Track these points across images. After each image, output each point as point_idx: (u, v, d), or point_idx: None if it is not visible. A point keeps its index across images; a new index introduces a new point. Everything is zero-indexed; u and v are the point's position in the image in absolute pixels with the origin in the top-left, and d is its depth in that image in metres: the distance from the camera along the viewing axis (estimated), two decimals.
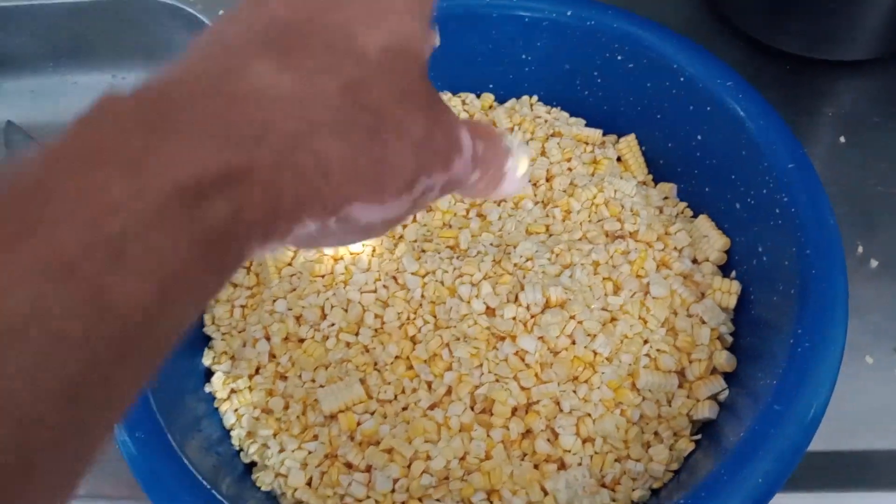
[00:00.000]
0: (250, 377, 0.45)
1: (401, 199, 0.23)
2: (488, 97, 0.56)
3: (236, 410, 0.44)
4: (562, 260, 0.45)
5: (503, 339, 0.43)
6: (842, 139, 0.58)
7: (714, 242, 0.47)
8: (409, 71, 0.24)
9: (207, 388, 0.45)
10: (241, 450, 0.44)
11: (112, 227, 0.17)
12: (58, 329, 0.16)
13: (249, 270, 0.48)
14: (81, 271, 0.16)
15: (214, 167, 0.18)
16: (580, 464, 0.40)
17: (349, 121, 0.22)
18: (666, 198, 0.51)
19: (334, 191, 0.21)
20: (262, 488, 0.42)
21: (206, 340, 0.47)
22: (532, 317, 0.43)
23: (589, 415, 0.41)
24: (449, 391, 0.42)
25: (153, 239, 0.17)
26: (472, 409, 0.42)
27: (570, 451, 0.40)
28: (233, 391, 0.45)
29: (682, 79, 0.48)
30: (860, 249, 0.53)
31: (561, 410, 0.41)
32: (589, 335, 0.42)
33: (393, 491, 0.40)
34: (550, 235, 0.47)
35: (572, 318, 0.43)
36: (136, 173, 0.17)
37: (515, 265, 0.45)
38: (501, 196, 0.30)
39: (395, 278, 0.46)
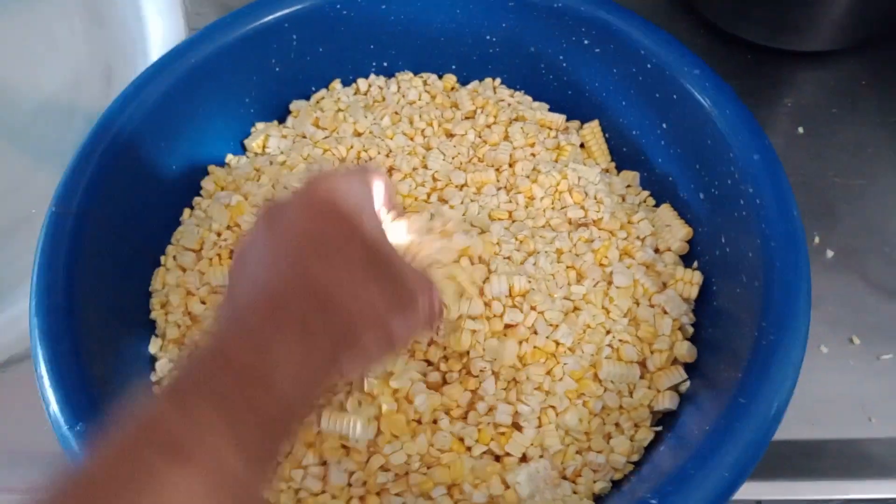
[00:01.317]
0: None
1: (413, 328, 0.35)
2: (451, 78, 0.55)
3: None
4: (525, 247, 0.44)
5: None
6: (800, 129, 0.58)
7: (677, 232, 0.46)
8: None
9: (153, 377, 0.43)
10: None
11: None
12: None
13: (211, 263, 0.46)
14: None
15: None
16: (542, 456, 0.39)
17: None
18: (629, 186, 0.50)
19: (373, 342, 0.33)
20: None
21: (151, 328, 0.45)
22: (500, 314, 0.42)
23: (552, 407, 0.40)
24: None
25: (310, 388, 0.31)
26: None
27: (532, 444, 0.39)
28: None
29: (648, 66, 0.47)
30: (816, 240, 0.53)
31: (523, 403, 0.40)
32: (551, 325, 0.42)
33: (350, 485, 0.39)
34: (514, 222, 0.46)
35: (533, 308, 0.42)
36: None
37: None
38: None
39: None
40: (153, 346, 0.44)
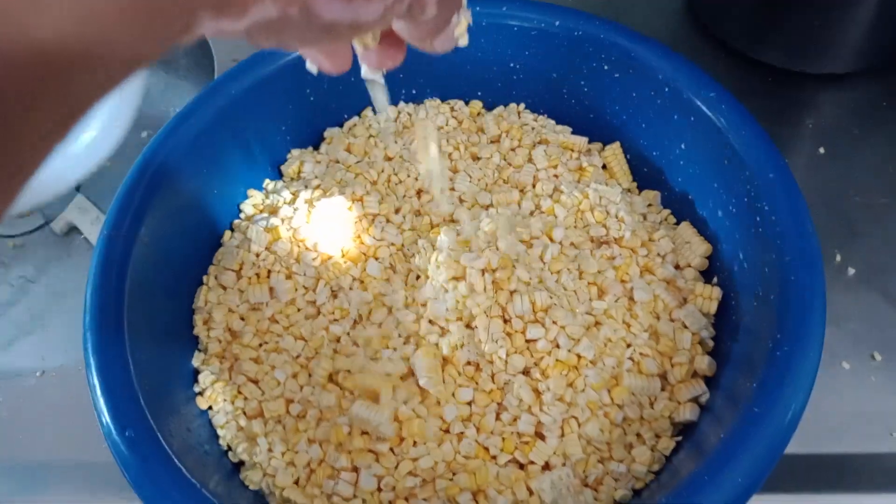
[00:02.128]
0: (239, 386, 0.45)
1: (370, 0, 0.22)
2: (477, 104, 0.57)
3: (226, 412, 0.45)
4: (551, 265, 0.46)
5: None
6: (821, 150, 0.59)
7: (696, 249, 0.48)
8: None
9: (196, 389, 0.46)
10: (230, 449, 0.44)
11: None
12: None
13: (250, 282, 0.49)
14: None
15: None
16: (564, 464, 0.41)
17: None
18: (650, 205, 0.52)
19: None
20: (251, 487, 0.42)
21: (194, 343, 0.48)
22: (522, 329, 0.43)
23: (574, 417, 0.42)
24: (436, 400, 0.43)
25: None
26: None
27: (555, 453, 0.41)
28: (221, 394, 0.45)
29: (666, 89, 0.49)
30: (838, 258, 0.54)
31: (546, 414, 0.41)
32: (573, 339, 0.43)
33: (380, 490, 0.41)
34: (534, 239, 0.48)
35: (554, 323, 0.44)
36: None
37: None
38: (434, 48, 0.31)
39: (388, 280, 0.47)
40: (196, 360, 0.47)
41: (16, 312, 0.64)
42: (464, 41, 0.32)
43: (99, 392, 0.40)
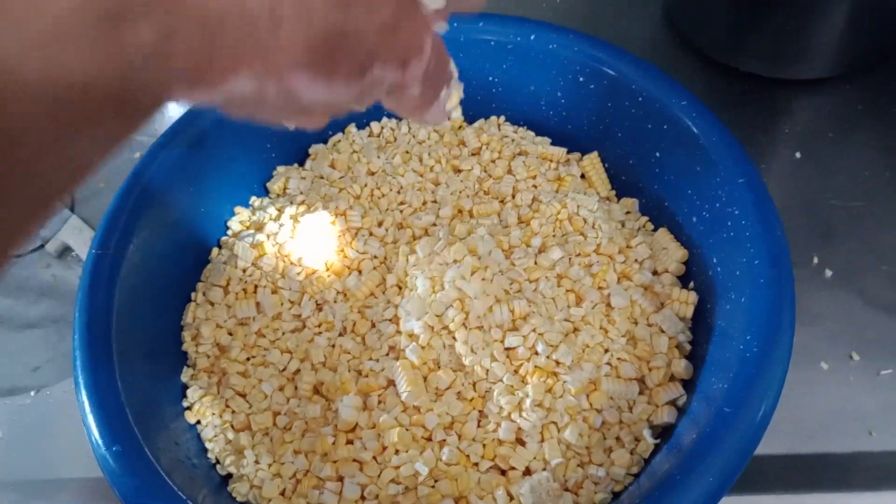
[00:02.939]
0: (227, 400, 0.46)
1: (349, 83, 0.21)
2: (458, 118, 0.58)
3: (214, 425, 0.46)
4: (528, 274, 0.47)
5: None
6: (797, 155, 0.60)
7: (673, 254, 0.49)
8: None
9: (185, 403, 0.47)
10: (218, 462, 0.45)
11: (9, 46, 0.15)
12: None
13: (237, 297, 0.50)
14: None
15: None
16: (544, 469, 0.42)
17: None
18: (628, 212, 0.53)
19: (283, 50, 0.19)
20: (238, 499, 0.43)
21: (183, 358, 0.49)
22: (500, 339, 0.44)
23: (554, 423, 0.42)
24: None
25: (56, 54, 0.15)
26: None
27: (535, 458, 0.42)
28: (209, 408, 0.46)
29: (640, 98, 0.50)
30: (816, 260, 0.55)
31: (526, 420, 0.42)
32: (551, 346, 0.44)
33: (363, 499, 0.42)
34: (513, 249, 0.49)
35: (533, 331, 0.44)
36: None
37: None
38: (425, 122, 0.30)
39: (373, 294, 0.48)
40: (185, 375, 0.48)
41: (12, 332, 0.66)
42: (457, 114, 0.32)
43: (88, 409, 0.40)
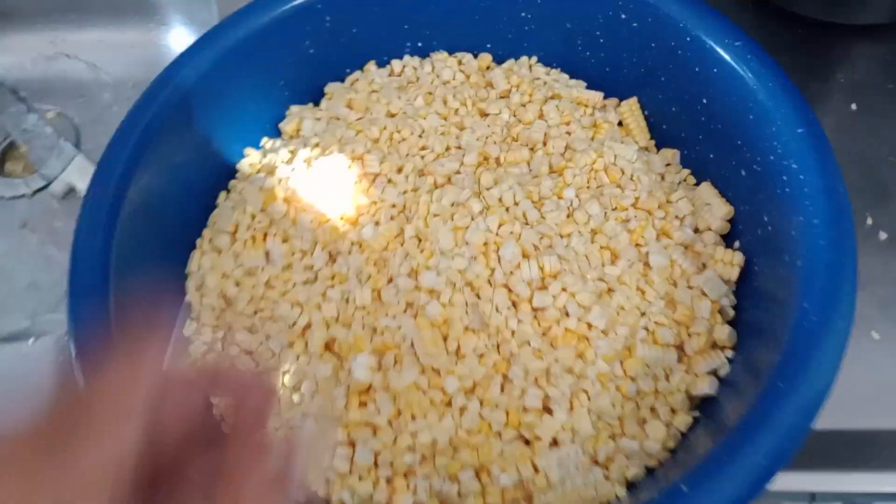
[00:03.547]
0: (232, 358, 0.43)
1: None
2: (486, 57, 0.54)
3: None
4: (560, 228, 0.43)
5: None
6: (853, 106, 0.56)
7: (717, 211, 0.45)
8: None
9: (188, 359, 0.44)
10: (223, 420, 0.42)
11: None
12: None
13: (245, 245, 0.46)
14: None
15: None
16: (573, 441, 0.39)
17: None
18: (668, 164, 0.49)
19: None
20: None
21: (187, 310, 0.46)
22: (528, 297, 0.41)
23: (584, 391, 0.39)
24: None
25: None
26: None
27: (563, 428, 0.38)
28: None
29: (688, 38, 0.45)
30: (869, 221, 0.51)
31: (554, 386, 0.39)
32: (583, 307, 0.41)
33: (377, 466, 0.39)
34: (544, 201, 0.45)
35: (564, 290, 0.41)
36: None
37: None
38: None
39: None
40: (188, 329, 0.45)
41: (15, 277, 0.63)
42: None
43: (79, 364, 0.38)
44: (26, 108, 0.70)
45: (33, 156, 0.68)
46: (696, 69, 0.45)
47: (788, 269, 0.38)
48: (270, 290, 0.45)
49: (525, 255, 0.41)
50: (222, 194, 0.50)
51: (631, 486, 0.38)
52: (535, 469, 0.38)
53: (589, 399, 0.39)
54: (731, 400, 0.39)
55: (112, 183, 0.43)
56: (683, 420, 0.40)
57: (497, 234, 0.42)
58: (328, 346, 0.43)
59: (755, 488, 0.32)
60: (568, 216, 0.44)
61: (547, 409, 0.39)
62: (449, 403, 0.40)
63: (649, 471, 0.39)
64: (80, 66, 0.73)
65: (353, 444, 0.39)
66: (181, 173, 0.48)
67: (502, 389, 0.40)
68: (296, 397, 0.42)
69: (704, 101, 0.46)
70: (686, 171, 0.48)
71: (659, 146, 0.50)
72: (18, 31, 0.74)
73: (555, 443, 0.39)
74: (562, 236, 0.43)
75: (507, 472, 0.38)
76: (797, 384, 0.34)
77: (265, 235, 0.47)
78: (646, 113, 0.51)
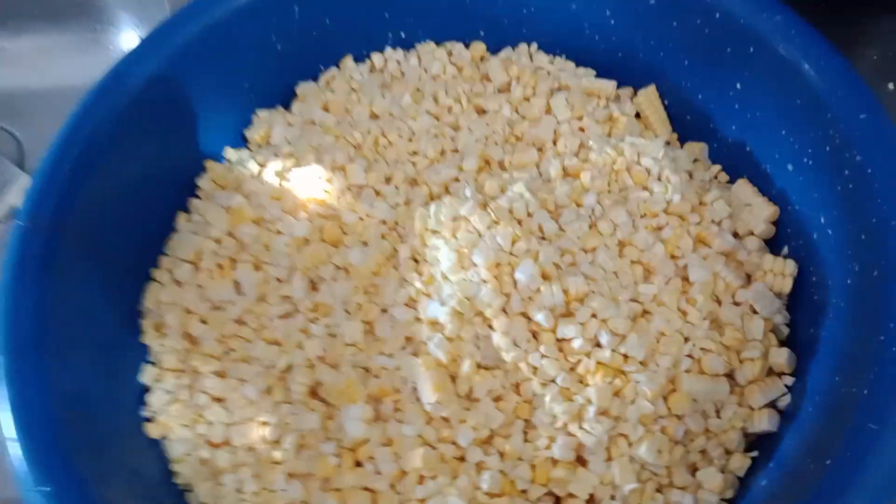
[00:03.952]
0: (200, 408, 0.36)
1: None
2: (479, 46, 0.47)
3: (184, 441, 0.36)
4: (583, 242, 0.36)
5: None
6: (890, 86, 0.50)
7: (759, 212, 0.39)
8: None
9: (145, 413, 0.37)
10: (188, 490, 0.35)
11: None
12: None
13: (212, 275, 0.40)
14: None
15: None
16: (613, 497, 0.32)
17: None
18: (696, 160, 0.43)
19: None
20: None
21: (144, 353, 0.39)
22: (552, 328, 0.34)
23: (624, 435, 0.33)
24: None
25: None
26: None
27: (601, 482, 0.32)
28: (178, 419, 0.36)
29: (717, 15, 0.39)
30: None
31: (588, 433, 0.33)
32: (617, 335, 0.34)
33: None
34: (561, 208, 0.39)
35: (594, 316, 0.35)
36: None
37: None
38: None
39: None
40: (146, 376, 0.38)
41: None
42: None
43: (12, 433, 0.31)
44: None
45: None
46: (728, 49, 0.40)
47: (861, 281, 0.32)
48: (243, 327, 0.38)
49: (545, 277, 0.35)
50: (181, 216, 0.43)
51: None
52: None
53: (630, 445, 0.33)
54: (796, 437, 0.33)
55: (48, 212, 0.36)
56: (740, 462, 0.34)
57: (510, 253, 0.35)
58: (314, 392, 0.37)
59: None
60: (591, 227, 0.37)
61: (580, 461, 0.33)
62: (463, 458, 0.33)
63: None
64: (20, 77, 0.67)
65: None
66: (132, 192, 0.41)
67: (525, 438, 0.33)
68: (277, 454, 0.35)
69: (738, 86, 0.40)
70: (717, 168, 0.42)
71: (682, 140, 0.44)
72: None
73: (592, 500, 0.33)
74: (585, 251, 0.37)
75: None
76: (893, 423, 0.27)
77: (234, 263, 0.40)
78: (665, 102, 0.45)
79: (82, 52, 0.66)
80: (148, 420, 0.37)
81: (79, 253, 0.36)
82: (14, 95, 0.66)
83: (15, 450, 0.30)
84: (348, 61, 0.48)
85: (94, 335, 0.37)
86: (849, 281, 0.33)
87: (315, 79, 0.48)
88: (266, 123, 0.46)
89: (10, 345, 0.33)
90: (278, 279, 0.39)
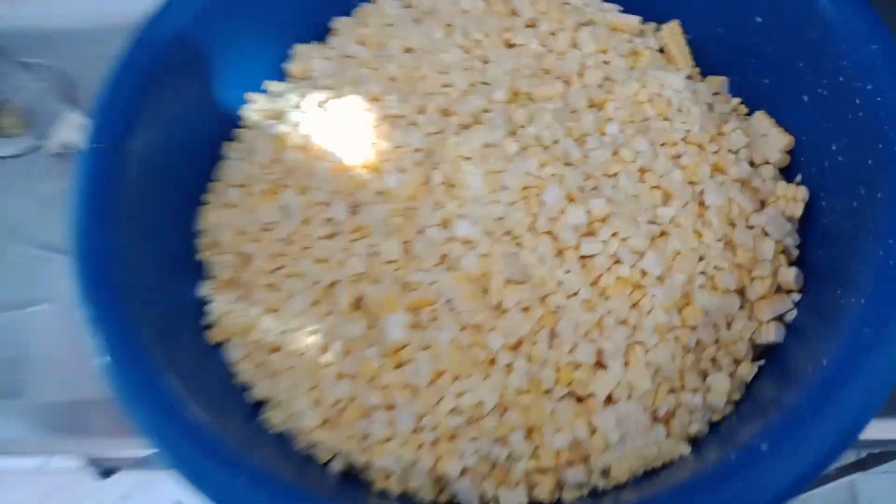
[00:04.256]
0: (254, 318, 0.40)
1: None
2: None
3: (241, 346, 0.40)
4: (606, 168, 0.39)
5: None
6: None
7: (775, 142, 0.41)
8: None
9: (206, 321, 0.40)
10: (249, 387, 0.39)
11: None
12: None
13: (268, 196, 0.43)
14: None
15: None
16: (629, 397, 0.36)
17: None
18: (716, 93, 0.45)
19: None
20: (274, 429, 0.38)
21: (201, 268, 0.42)
22: (575, 245, 0.37)
23: (640, 343, 0.36)
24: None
25: None
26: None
27: (619, 384, 0.35)
28: (235, 326, 0.40)
29: None
30: None
31: (608, 340, 0.36)
32: (636, 253, 0.37)
33: (420, 430, 0.36)
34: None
35: (614, 235, 0.37)
36: None
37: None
38: None
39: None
40: (205, 289, 0.41)
41: (19, 243, 0.59)
42: None
43: (93, 330, 0.34)
44: (15, 64, 0.66)
45: (25, 113, 0.64)
46: None
47: (865, 203, 0.35)
48: (290, 246, 0.42)
49: (570, 199, 0.38)
50: (229, 144, 0.46)
51: (694, 442, 0.36)
52: (592, 429, 0.35)
53: (646, 352, 0.36)
54: (800, 347, 0.36)
55: (111, 134, 0.39)
56: (748, 370, 0.37)
57: (537, 177, 0.38)
58: (357, 304, 0.40)
59: (842, 444, 0.30)
60: (613, 154, 0.40)
61: (600, 365, 0.36)
62: (493, 361, 0.37)
63: (713, 426, 0.36)
64: (69, 14, 0.69)
65: (391, 408, 0.36)
66: (182, 124, 0.44)
67: (550, 345, 0.37)
68: (327, 356, 0.39)
69: (758, 19, 0.42)
70: (736, 101, 0.44)
71: (704, 74, 0.46)
72: None
73: (610, 400, 0.36)
74: (608, 176, 0.39)
75: (561, 433, 0.35)
76: (886, 329, 0.30)
77: (279, 187, 0.43)
78: (688, 37, 0.46)
79: None
80: (209, 327, 0.40)
81: (141, 173, 0.39)
82: (63, 33, 0.68)
83: (100, 348, 0.34)
84: None
85: (157, 251, 0.40)
86: (854, 203, 0.36)
87: (349, 14, 0.50)
88: (304, 57, 0.48)
89: (84, 254, 0.36)
90: (321, 203, 0.42)
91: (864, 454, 0.66)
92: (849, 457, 0.67)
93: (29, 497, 1.12)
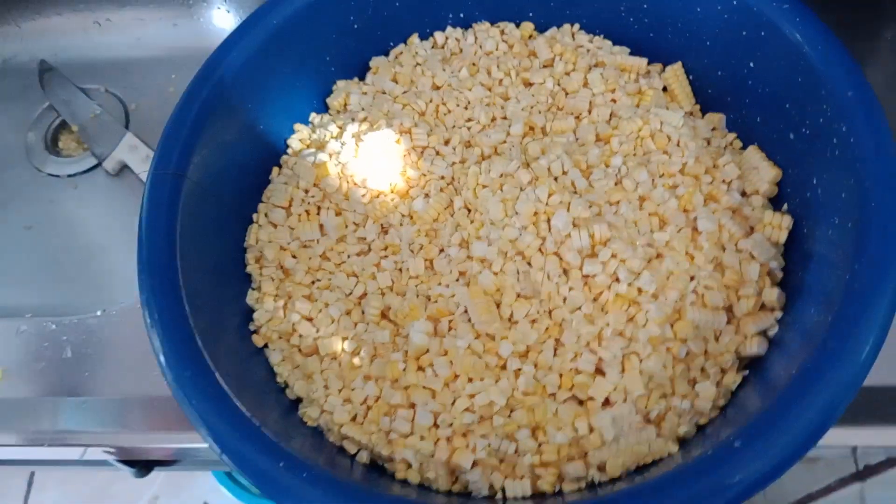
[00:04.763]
0: (294, 324, 0.45)
1: None
2: (528, 26, 0.54)
3: (281, 350, 0.45)
4: (608, 196, 0.44)
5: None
6: None
7: (764, 174, 0.45)
8: None
9: (251, 327, 0.46)
10: (287, 386, 0.44)
11: None
12: None
13: (300, 219, 0.48)
14: None
15: None
16: (625, 400, 0.40)
17: None
18: (714, 129, 0.49)
19: None
20: (309, 423, 0.43)
21: (247, 281, 0.48)
22: (579, 265, 0.42)
23: (635, 353, 0.40)
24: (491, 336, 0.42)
25: None
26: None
27: (615, 389, 0.40)
28: (276, 332, 0.45)
29: (734, 2, 0.45)
30: None
31: (606, 350, 0.40)
32: (633, 273, 0.41)
33: (436, 426, 0.41)
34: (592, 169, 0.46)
35: (614, 256, 0.42)
36: None
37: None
38: None
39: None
40: (250, 298, 0.47)
41: (73, 252, 0.66)
42: None
43: (156, 335, 0.40)
44: (75, 88, 0.72)
45: (84, 135, 0.70)
46: (743, 33, 0.45)
47: (839, 232, 0.39)
48: (326, 262, 0.47)
49: (575, 224, 0.42)
50: (275, 170, 0.51)
51: (683, 442, 0.40)
52: (590, 428, 0.39)
53: (640, 361, 0.40)
54: (781, 359, 0.40)
55: (173, 162, 0.44)
56: (733, 379, 0.41)
57: (547, 204, 0.43)
58: (384, 314, 0.45)
59: (806, 444, 0.33)
60: (616, 184, 0.44)
61: (599, 372, 0.41)
62: (504, 367, 0.41)
63: (700, 428, 0.40)
64: (123, 45, 0.75)
65: (412, 406, 0.41)
66: (235, 151, 0.49)
67: (555, 353, 0.41)
68: (356, 360, 0.43)
69: (751, 64, 0.46)
70: (732, 136, 0.48)
71: (704, 111, 0.50)
72: (62, 13, 0.76)
73: (607, 403, 0.40)
74: (610, 204, 0.44)
75: (562, 431, 0.39)
76: (848, 344, 0.34)
77: (318, 209, 0.48)
78: (690, 77, 0.51)
79: (176, 25, 0.74)
80: (254, 332, 0.46)
81: (198, 195, 0.45)
82: (118, 62, 0.75)
83: (159, 347, 0.39)
84: (414, 39, 0.55)
85: (211, 264, 0.45)
86: (829, 232, 0.40)
87: (386, 54, 0.55)
88: (344, 92, 0.53)
89: (150, 265, 0.42)
90: (355, 223, 0.48)
91: (871, 461, 0.69)
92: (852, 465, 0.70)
93: (69, 496, 1.19)
